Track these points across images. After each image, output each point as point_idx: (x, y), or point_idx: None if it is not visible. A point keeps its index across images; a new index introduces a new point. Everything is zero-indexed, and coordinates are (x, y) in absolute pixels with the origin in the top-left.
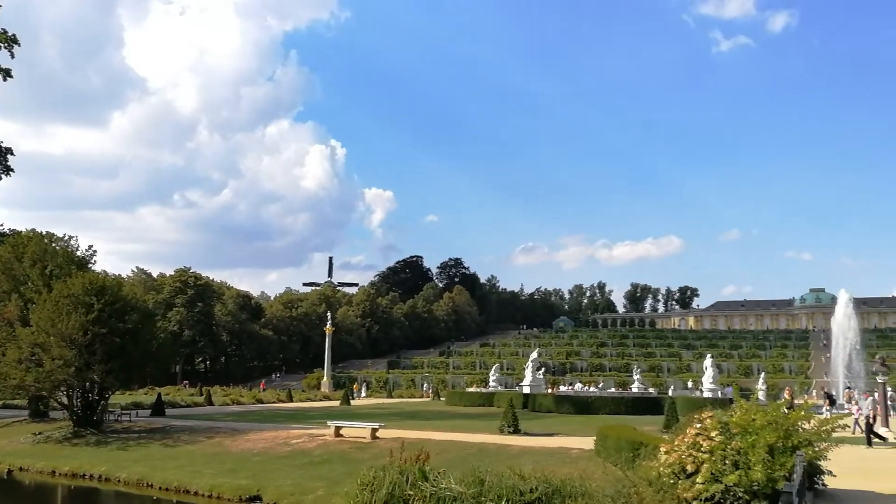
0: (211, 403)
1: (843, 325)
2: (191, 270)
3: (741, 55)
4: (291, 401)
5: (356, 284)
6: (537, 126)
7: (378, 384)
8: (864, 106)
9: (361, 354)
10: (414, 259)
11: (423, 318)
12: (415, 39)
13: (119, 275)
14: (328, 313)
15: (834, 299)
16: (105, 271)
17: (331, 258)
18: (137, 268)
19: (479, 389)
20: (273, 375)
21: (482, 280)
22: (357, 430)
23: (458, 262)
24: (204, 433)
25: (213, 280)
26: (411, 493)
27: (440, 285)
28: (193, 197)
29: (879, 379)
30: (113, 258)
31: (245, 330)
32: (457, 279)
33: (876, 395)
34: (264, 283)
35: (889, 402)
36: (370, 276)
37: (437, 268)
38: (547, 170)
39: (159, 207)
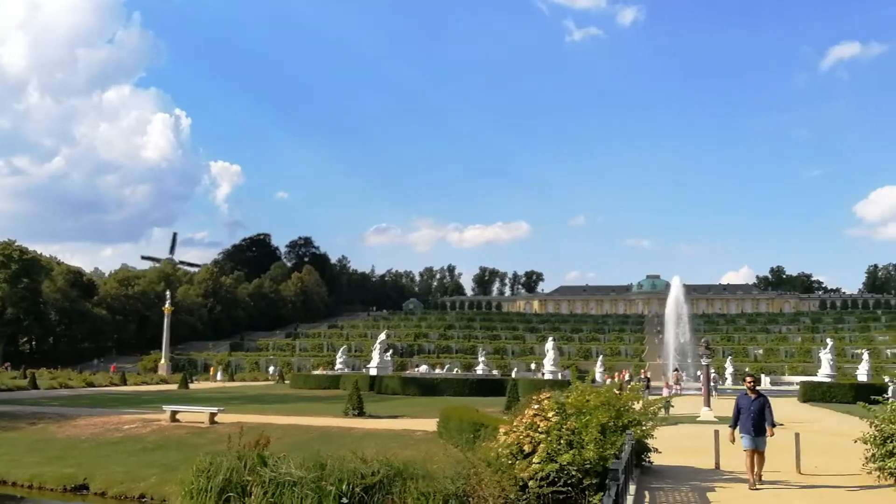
0: (36, 387)
1: (675, 311)
2: (15, 243)
3: (592, 45)
4: (126, 384)
5: (198, 266)
6: (391, 106)
7: (219, 367)
8: (705, 99)
9: (203, 336)
10: (261, 237)
11: (269, 299)
12: (268, 11)
13: None
14: (168, 292)
15: (668, 286)
16: None
17: (175, 234)
18: None
19: (325, 372)
20: (95, 361)
21: (333, 260)
22: (194, 415)
23: (308, 242)
24: (26, 419)
25: (40, 254)
26: (249, 478)
27: (289, 265)
28: (21, 164)
29: (703, 361)
30: None
31: (76, 309)
32: (306, 259)
33: (626, 374)
34: (98, 258)
35: (711, 384)
36: (214, 254)
37: (286, 246)
38: (401, 151)
39: None
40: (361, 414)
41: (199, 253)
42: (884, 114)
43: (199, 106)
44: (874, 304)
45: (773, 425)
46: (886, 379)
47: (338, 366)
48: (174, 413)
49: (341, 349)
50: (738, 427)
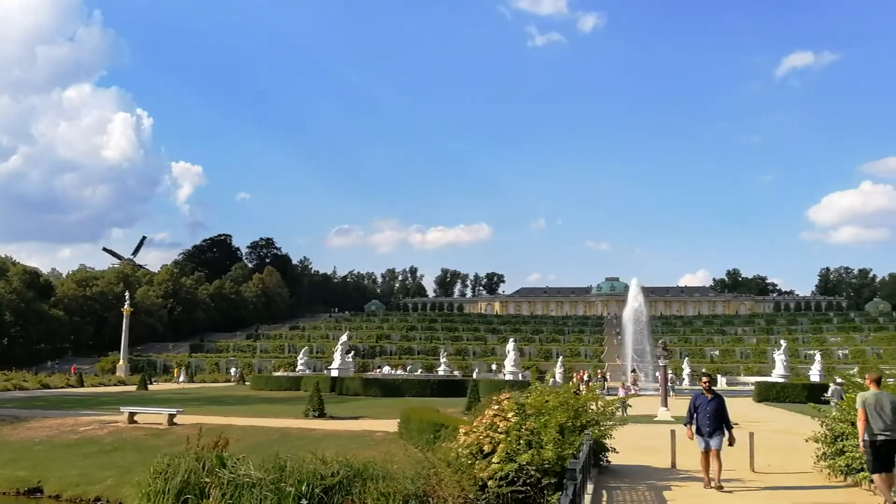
0: None
1: (633, 312)
2: None
3: (555, 51)
4: (83, 385)
5: (156, 273)
6: (354, 108)
7: (182, 368)
8: (663, 104)
9: (162, 337)
10: (222, 237)
11: (230, 300)
12: (232, 11)
13: None
14: (127, 293)
15: (627, 288)
16: None
17: (143, 238)
18: None
19: (286, 373)
20: (49, 363)
21: (294, 261)
22: (153, 416)
23: (269, 243)
24: None
25: None
26: (208, 480)
27: (250, 266)
28: None
29: (661, 362)
30: None
31: (32, 309)
32: (268, 260)
33: (585, 374)
34: (56, 259)
35: (668, 384)
36: (175, 255)
37: (248, 247)
38: (364, 152)
39: None
40: (322, 415)
41: (159, 254)
42: (835, 121)
43: (161, 106)
44: (826, 307)
45: (730, 427)
46: (838, 380)
47: (299, 367)
48: (132, 414)
49: (302, 350)
50: (693, 426)
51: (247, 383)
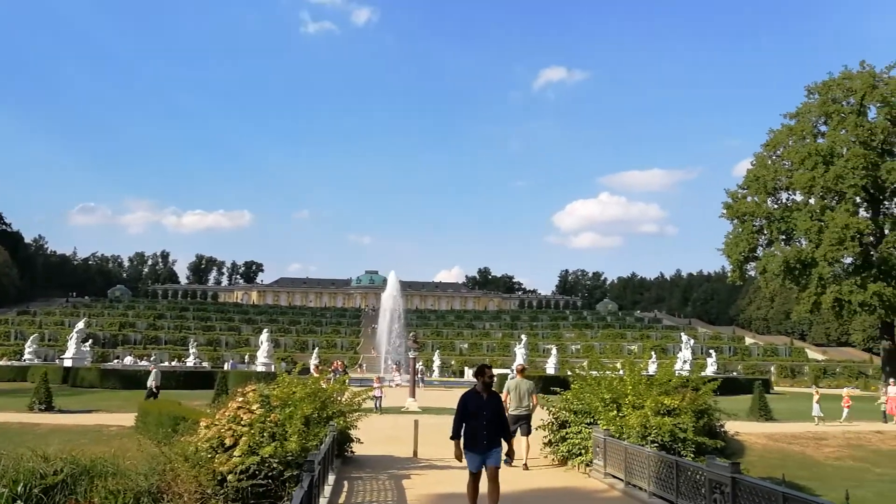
0: None
1: (390, 305)
2: None
3: (327, 40)
4: None
5: None
6: (107, 78)
7: None
8: (428, 105)
9: None
10: None
11: None
12: None
13: None
14: None
15: (385, 281)
16: None
17: None
18: None
19: (10, 363)
20: None
21: (28, 240)
22: None
23: None
24: None
25: None
26: None
27: None
28: None
29: (411, 354)
30: None
31: None
32: None
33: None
34: None
35: (418, 376)
36: None
37: None
38: (117, 126)
39: None
40: (50, 408)
41: None
42: (581, 134)
43: None
44: (564, 305)
45: (509, 437)
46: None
47: (26, 356)
48: None
49: (31, 338)
50: (462, 438)
51: None
